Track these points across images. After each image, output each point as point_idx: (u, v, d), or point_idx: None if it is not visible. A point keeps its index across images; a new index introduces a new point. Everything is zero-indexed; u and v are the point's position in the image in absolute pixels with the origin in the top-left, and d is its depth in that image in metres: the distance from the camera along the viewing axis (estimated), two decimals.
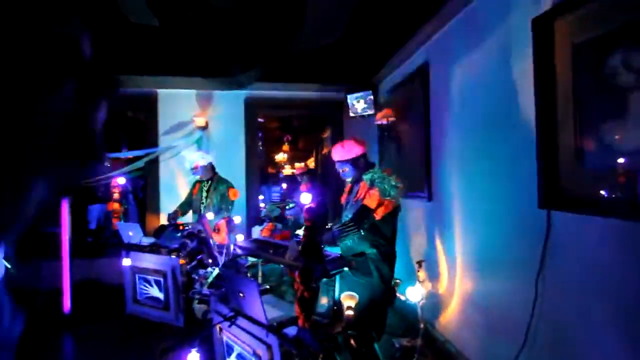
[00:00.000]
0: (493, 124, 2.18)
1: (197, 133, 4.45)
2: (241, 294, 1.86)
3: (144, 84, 4.30)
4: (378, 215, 2.00)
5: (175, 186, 4.51)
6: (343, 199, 2.28)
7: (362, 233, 1.99)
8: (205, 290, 2.32)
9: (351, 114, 4.59)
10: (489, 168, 2.22)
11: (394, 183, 2.03)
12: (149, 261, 3.17)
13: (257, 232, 4.19)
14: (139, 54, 3.83)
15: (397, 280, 2.81)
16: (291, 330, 1.69)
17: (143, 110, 4.58)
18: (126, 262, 3.11)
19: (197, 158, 3.30)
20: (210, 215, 2.81)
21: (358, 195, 2.07)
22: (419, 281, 2.77)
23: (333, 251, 1.99)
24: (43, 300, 3.89)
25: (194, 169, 3.37)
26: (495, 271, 2.17)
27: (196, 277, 2.55)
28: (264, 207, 5.16)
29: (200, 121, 4.46)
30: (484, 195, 2.28)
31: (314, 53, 4.08)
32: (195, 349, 1.74)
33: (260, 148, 9.15)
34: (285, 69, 4.37)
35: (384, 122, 3.66)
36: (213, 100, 4.61)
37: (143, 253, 3.19)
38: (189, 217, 3.72)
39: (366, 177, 2.08)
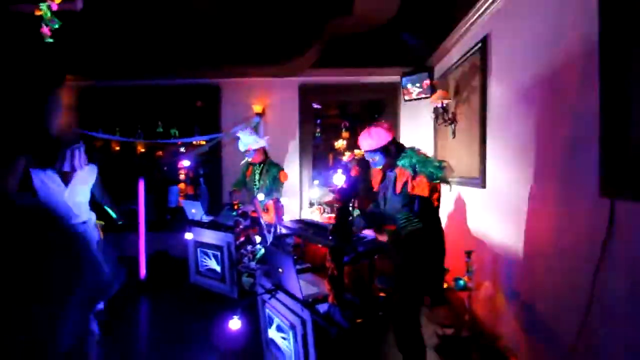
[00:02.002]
0: (555, 103, 1.96)
1: (255, 119, 4.68)
2: (280, 270, 1.97)
3: (207, 74, 4.61)
4: (435, 201, 1.93)
5: (235, 169, 4.81)
6: (375, 184, 2.16)
7: (421, 224, 1.89)
8: (253, 265, 2.48)
9: (406, 98, 4.45)
10: (548, 153, 2.02)
11: (437, 164, 1.91)
12: (208, 236, 3.47)
13: (307, 214, 4.32)
14: (201, 46, 4.12)
15: (446, 269, 2.73)
16: (324, 307, 1.76)
17: (207, 99, 4.92)
18: (188, 235, 3.44)
19: (251, 142, 3.48)
20: (260, 196, 2.97)
21: (400, 184, 1.97)
22: (468, 272, 2.66)
23: (368, 233, 1.99)
24: (125, 266, 4.48)
25: (247, 152, 3.55)
26: (549, 266, 1.99)
27: (244, 253, 2.73)
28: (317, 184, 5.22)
29: (257, 108, 4.67)
30: (542, 183, 2.08)
31: (368, 35, 4.01)
32: (237, 316, 1.89)
33: (318, 135, 9.32)
34: (339, 54, 4.36)
35: (439, 104, 3.49)
36: (269, 87, 4.78)
37: (203, 229, 3.50)
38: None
39: (402, 162, 1.96)
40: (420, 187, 1.87)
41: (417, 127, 4.58)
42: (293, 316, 1.88)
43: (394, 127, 4.67)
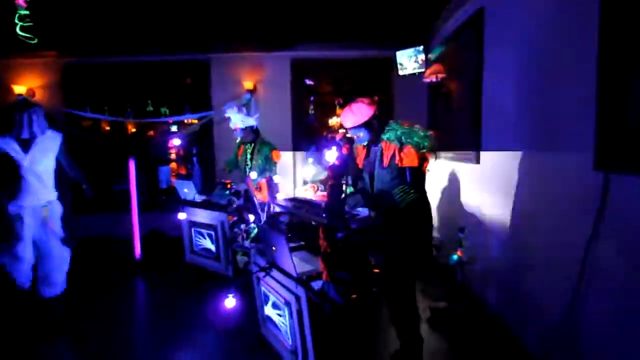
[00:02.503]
0: (552, 77, 1.92)
1: (246, 96, 4.57)
2: (274, 248, 1.97)
3: (196, 49, 4.46)
4: (425, 170, 1.93)
5: (228, 147, 4.75)
6: (360, 161, 2.10)
7: (417, 194, 1.90)
8: (247, 244, 2.48)
9: (400, 73, 4.36)
10: (543, 128, 2.00)
11: (422, 133, 1.88)
12: (202, 216, 3.45)
13: (301, 192, 4.31)
14: (189, 19, 3.96)
15: (439, 244, 2.76)
16: (319, 284, 1.77)
17: (197, 75, 4.78)
18: (181, 216, 3.42)
19: (238, 120, 3.40)
20: (253, 175, 2.93)
21: (387, 158, 1.94)
22: (461, 247, 2.69)
23: (362, 210, 1.98)
24: (119, 247, 4.46)
25: (235, 131, 3.48)
26: (542, 240, 2.01)
27: (238, 232, 2.73)
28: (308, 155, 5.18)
29: (248, 84, 4.56)
30: (536, 158, 2.07)
31: (361, 8, 3.87)
32: (232, 294, 1.89)
33: (312, 112, 9.20)
34: (332, 28, 4.22)
35: (434, 79, 3.42)
36: (260, 63, 4.65)
37: (196, 208, 3.47)
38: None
39: (387, 135, 1.94)
40: (410, 158, 1.86)
41: (411, 103, 4.51)
42: (288, 293, 1.90)
43: (388, 103, 4.62)
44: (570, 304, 1.70)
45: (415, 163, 1.85)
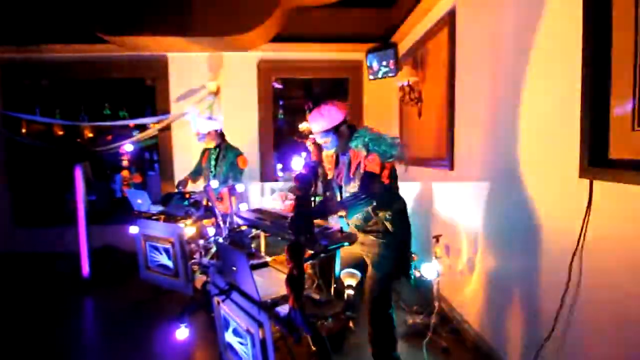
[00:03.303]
0: (530, 79, 1.83)
1: (208, 98, 4.28)
2: (234, 268, 1.73)
3: (152, 46, 4.12)
4: (385, 179, 1.77)
5: (188, 153, 4.43)
6: (329, 171, 1.98)
7: (374, 203, 1.76)
8: (205, 261, 2.21)
9: (370, 77, 4.25)
10: (522, 133, 1.90)
11: (390, 141, 1.76)
12: (157, 229, 3.12)
13: (268, 201, 4.07)
14: (142, 13, 3.64)
15: (413, 255, 2.62)
16: (285, 309, 1.55)
17: (154, 75, 4.43)
18: (133, 229, 3.08)
19: (199, 124, 3.14)
20: (214, 184, 2.68)
21: (354, 167, 1.82)
22: (436, 257, 2.56)
23: (334, 222, 1.79)
24: (68, 264, 4.00)
25: (197, 135, 3.22)
26: (523, 249, 1.91)
27: (195, 248, 2.45)
28: (281, 177, 5.00)
29: (211, 86, 4.28)
30: (515, 164, 1.97)
31: (330, 8, 3.73)
32: (185, 324, 1.64)
33: (282, 117, 8.94)
34: (300, 28, 4.06)
35: (405, 82, 3.32)
36: (224, 63, 4.39)
37: (150, 221, 3.14)
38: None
39: (355, 143, 1.81)
40: (372, 164, 1.74)
41: (382, 108, 4.41)
42: (249, 320, 1.66)
43: (358, 108, 4.49)
44: (555, 316, 1.59)
45: (376, 170, 1.72)
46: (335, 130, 1.82)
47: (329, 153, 1.94)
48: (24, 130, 5.03)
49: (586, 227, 1.44)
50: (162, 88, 4.40)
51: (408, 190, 3.76)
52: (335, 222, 1.76)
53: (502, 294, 2.12)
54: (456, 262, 2.65)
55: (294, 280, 1.28)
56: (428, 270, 2.50)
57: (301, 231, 1.32)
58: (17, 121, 4.49)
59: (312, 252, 1.45)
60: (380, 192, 1.76)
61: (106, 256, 4.18)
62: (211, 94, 4.27)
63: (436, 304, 2.55)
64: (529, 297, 1.86)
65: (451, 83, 2.72)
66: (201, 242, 2.29)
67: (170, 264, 3.12)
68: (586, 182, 1.43)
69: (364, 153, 1.75)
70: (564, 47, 1.55)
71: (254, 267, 2.13)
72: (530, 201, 1.82)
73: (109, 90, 5.54)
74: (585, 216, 1.43)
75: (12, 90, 4.40)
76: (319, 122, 1.82)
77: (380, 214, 1.85)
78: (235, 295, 1.80)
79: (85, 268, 3.74)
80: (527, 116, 1.84)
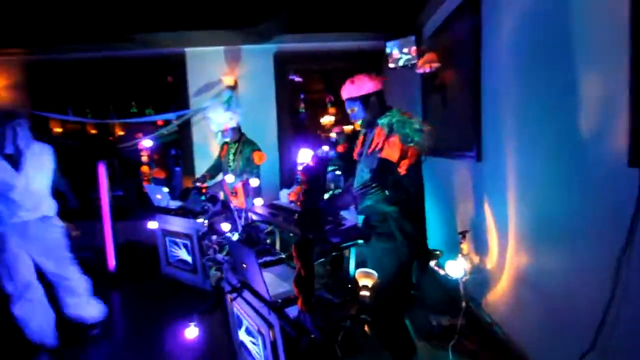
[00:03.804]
0: (568, 60, 1.63)
1: (226, 93, 4.24)
2: (244, 265, 1.66)
3: (170, 42, 4.12)
4: (402, 169, 1.62)
5: (208, 148, 4.43)
6: (355, 153, 1.90)
7: (387, 193, 1.61)
8: (220, 257, 2.16)
9: (391, 65, 4.06)
10: (559, 119, 1.71)
11: (417, 126, 1.63)
12: (176, 224, 3.13)
13: (284, 195, 3.99)
14: (161, 10, 3.63)
15: (437, 252, 2.47)
16: (295, 310, 1.46)
17: (173, 71, 4.44)
18: (152, 225, 3.10)
19: (226, 120, 3.09)
20: (229, 178, 2.62)
21: (374, 145, 1.70)
22: (462, 254, 2.39)
23: (349, 218, 1.67)
24: (92, 257, 4.11)
25: (224, 132, 3.17)
26: (560, 246, 1.72)
27: (208, 244, 2.41)
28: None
29: (228, 80, 4.24)
30: (549, 153, 1.78)
31: None
32: (194, 323, 1.59)
33: (303, 111, 8.84)
34: (316, 17, 3.92)
35: (427, 69, 3.13)
36: (241, 57, 4.33)
37: (169, 216, 3.15)
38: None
39: (382, 121, 1.69)
40: (392, 149, 1.61)
41: (404, 97, 4.22)
42: (260, 320, 1.59)
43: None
44: (598, 326, 1.41)
45: (394, 157, 1.58)
46: (363, 99, 1.73)
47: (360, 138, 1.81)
48: (59, 130, 5.22)
49: (636, 222, 1.26)
50: (181, 84, 4.40)
51: (432, 183, 3.58)
52: (352, 217, 1.65)
53: (536, 296, 1.94)
54: (485, 260, 2.47)
55: (302, 281, 1.19)
56: (453, 268, 2.34)
57: (309, 228, 1.22)
58: (46, 121, 4.64)
59: (323, 250, 1.34)
60: (394, 183, 1.62)
61: (130, 251, 4.26)
62: (228, 87, 4.23)
63: (463, 304, 2.39)
64: (567, 301, 1.67)
65: (477, 67, 2.52)
66: (214, 238, 2.24)
67: (189, 259, 3.13)
68: (636, 171, 1.24)
69: (386, 132, 1.64)
70: (615, 30, 1.35)
71: (268, 264, 2.06)
72: (570, 194, 1.64)
73: (135, 90, 5.67)
74: (636, 211, 1.25)
75: (40, 90, 4.53)
76: (348, 88, 1.76)
77: (387, 210, 1.68)
78: (246, 294, 1.73)
79: (112, 262, 3.82)
80: (570, 103, 1.64)
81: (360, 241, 1.48)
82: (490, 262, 2.43)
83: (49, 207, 2.44)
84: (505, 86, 2.20)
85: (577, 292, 1.61)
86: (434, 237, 3.07)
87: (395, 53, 4.00)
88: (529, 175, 1.97)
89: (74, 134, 5.33)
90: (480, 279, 2.46)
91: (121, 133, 6.16)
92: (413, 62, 3.83)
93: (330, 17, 3.93)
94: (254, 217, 2.15)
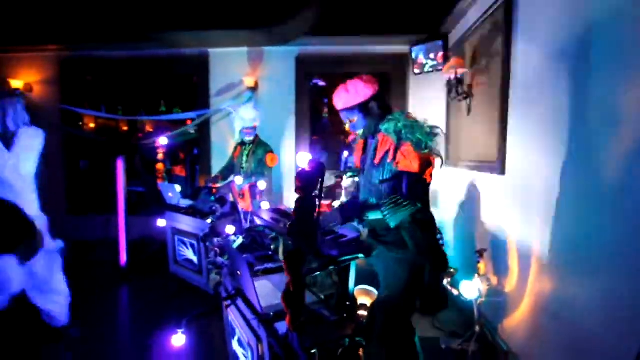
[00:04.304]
0: (605, 71, 1.46)
1: (247, 94, 4.23)
2: (238, 272, 1.57)
3: (193, 42, 4.16)
4: (429, 178, 1.51)
5: (226, 148, 4.42)
6: (357, 161, 1.78)
7: (419, 206, 1.50)
8: (220, 261, 2.09)
9: (416, 71, 3.92)
10: (591, 135, 1.53)
11: (428, 130, 1.50)
12: (185, 223, 3.10)
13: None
14: (184, 10, 3.66)
15: (452, 270, 2.30)
16: (285, 326, 1.35)
17: (196, 71, 4.48)
18: (161, 222, 3.08)
19: (255, 117, 3.05)
20: (238, 180, 2.56)
21: (380, 154, 1.56)
22: (479, 274, 2.22)
23: (350, 229, 1.55)
24: (107, 251, 4.16)
25: (251, 129, 3.13)
26: (589, 273, 1.53)
27: (210, 246, 2.35)
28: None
29: (249, 81, 4.22)
30: (580, 170, 1.60)
31: None
32: (182, 330, 1.51)
33: (326, 116, 8.78)
34: (340, 20, 3.84)
35: (452, 75, 2.96)
36: (263, 58, 4.31)
37: (179, 214, 3.13)
38: None
39: (386, 126, 1.55)
40: (408, 160, 1.47)
41: (427, 104, 4.04)
42: (250, 332, 1.49)
43: (400, 105, 4.18)
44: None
45: (414, 167, 1.45)
46: (362, 107, 1.59)
47: (359, 142, 1.72)
48: (93, 125, 5.37)
49: None
50: (203, 83, 4.43)
51: (450, 196, 3.39)
52: (352, 228, 1.53)
53: (559, 326, 1.74)
54: (504, 281, 2.27)
55: (291, 297, 1.08)
56: (468, 288, 2.17)
57: (301, 239, 1.11)
58: (75, 116, 4.80)
59: (318, 263, 1.23)
60: (423, 195, 1.52)
61: (144, 246, 4.29)
62: (249, 89, 4.21)
63: (477, 328, 2.21)
64: (594, 335, 1.48)
65: (506, 75, 2.34)
66: (216, 240, 2.18)
67: (195, 259, 3.09)
68: None
69: (394, 140, 1.50)
70: None
71: (268, 272, 1.96)
72: (601, 215, 1.45)
73: (163, 89, 5.76)
74: None
75: (73, 86, 4.68)
76: (343, 98, 1.61)
77: (411, 219, 1.55)
78: (240, 302, 1.64)
79: (123, 257, 3.85)
80: (607, 117, 1.46)
81: (361, 255, 1.36)
82: (509, 285, 2.23)
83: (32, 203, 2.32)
84: (535, 96, 2.02)
85: (606, 326, 1.41)
86: (449, 253, 2.88)
87: (421, 58, 3.85)
88: (556, 193, 1.78)
89: (107, 130, 5.47)
90: (497, 302, 2.26)
91: (150, 130, 6.30)
92: (439, 68, 3.68)
93: (354, 20, 3.84)
94: (258, 221, 2.07)
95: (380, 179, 1.55)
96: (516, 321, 2.13)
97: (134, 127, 5.86)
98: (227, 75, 4.36)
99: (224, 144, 4.44)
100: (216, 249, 2.14)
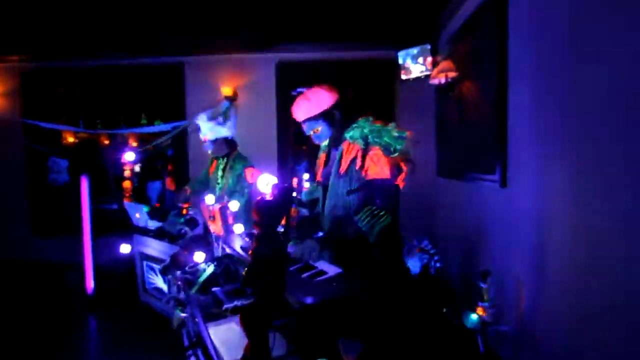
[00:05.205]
0: (617, 67, 1.24)
1: (224, 104, 3.95)
2: (195, 319, 1.28)
3: (168, 49, 3.89)
4: (401, 184, 1.41)
5: (204, 162, 4.12)
6: (319, 175, 1.64)
7: (395, 217, 1.38)
8: (184, 296, 1.78)
9: (403, 77, 3.71)
10: (604, 140, 1.30)
11: (396, 133, 1.40)
12: (152, 247, 2.79)
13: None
14: (160, 15, 3.40)
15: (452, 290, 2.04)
16: None
17: (170, 81, 4.20)
18: (124, 248, 2.76)
19: (206, 130, 2.78)
20: (209, 199, 2.27)
21: (345, 163, 1.44)
22: (482, 301, 1.95)
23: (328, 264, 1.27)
24: (74, 275, 3.80)
25: (204, 142, 2.86)
26: (613, 299, 1.29)
27: (172, 279, 2.03)
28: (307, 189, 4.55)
29: (227, 90, 3.96)
30: (594, 180, 1.37)
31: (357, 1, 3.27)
32: None
33: None
34: (322, 25, 3.62)
35: (442, 80, 2.75)
36: (242, 66, 4.06)
37: (147, 237, 2.82)
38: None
39: (350, 134, 1.45)
40: (378, 166, 1.37)
41: (417, 113, 3.83)
42: None
43: (389, 113, 3.96)
44: None
45: (386, 173, 1.35)
46: (325, 116, 1.49)
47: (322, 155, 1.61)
48: (72, 140, 4.98)
49: None
50: (177, 93, 4.16)
51: (444, 210, 3.15)
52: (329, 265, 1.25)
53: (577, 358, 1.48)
54: (512, 309, 2.02)
55: None
56: (470, 317, 1.90)
57: (261, 287, 0.83)
58: (41, 130, 4.44)
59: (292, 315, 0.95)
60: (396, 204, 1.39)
61: (114, 271, 3.93)
62: (227, 98, 3.94)
63: None
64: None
65: (502, 76, 2.13)
66: (178, 273, 1.87)
67: (165, 287, 2.77)
68: None
69: (361, 145, 1.40)
70: None
71: (238, 310, 1.66)
72: (624, 232, 1.21)
73: (144, 101, 5.43)
74: None
75: (35, 98, 4.34)
76: (304, 108, 1.50)
77: (389, 233, 1.37)
78: (201, 354, 1.34)
79: (90, 284, 3.49)
80: (620, 119, 1.23)
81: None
82: (519, 312, 1.97)
83: None
84: (538, 97, 1.79)
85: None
86: (449, 276, 2.62)
87: (409, 63, 3.65)
88: (568, 206, 1.54)
89: (87, 144, 5.09)
90: (505, 333, 2.00)
91: (134, 144, 5.97)
92: (428, 73, 3.47)
93: (337, 24, 3.63)
94: (227, 250, 1.78)
95: (348, 189, 1.42)
96: (527, 355, 1.87)
97: (117, 141, 5.49)
98: (203, 84, 4.09)
99: (201, 157, 4.14)
100: (179, 282, 1.83)
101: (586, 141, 1.44)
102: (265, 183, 1.16)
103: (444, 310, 1.89)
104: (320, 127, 1.52)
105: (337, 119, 1.51)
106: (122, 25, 3.51)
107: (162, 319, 2.86)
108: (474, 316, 1.89)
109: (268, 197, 0.88)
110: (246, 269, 0.86)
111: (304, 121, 1.54)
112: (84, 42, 3.88)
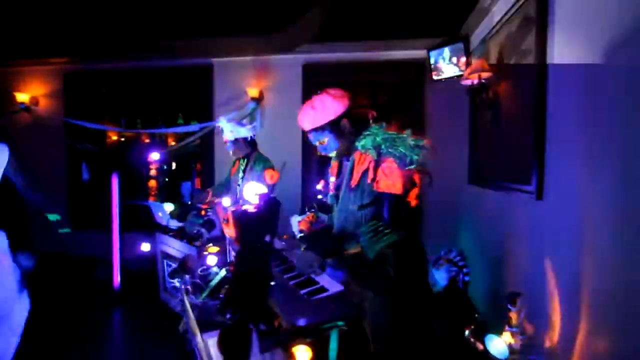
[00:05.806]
0: None
1: (250, 104, 3.96)
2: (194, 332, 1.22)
3: (197, 51, 3.95)
4: (414, 201, 1.30)
5: (229, 163, 4.15)
6: (333, 186, 1.52)
7: (402, 234, 1.26)
8: (195, 300, 1.75)
9: (435, 77, 3.52)
10: None
11: (412, 142, 1.28)
12: (172, 247, 2.81)
13: (295, 223, 3.53)
14: (187, 17, 3.45)
15: (476, 315, 1.88)
16: None
17: (199, 82, 4.27)
18: (144, 247, 2.80)
19: (226, 131, 2.77)
20: (225, 202, 2.24)
21: (357, 174, 1.33)
22: (511, 324, 1.77)
23: (333, 278, 1.17)
24: (104, 270, 3.94)
25: (225, 144, 2.85)
26: None
27: (180, 284, 2.01)
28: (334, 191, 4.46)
29: (253, 92, 3.95)
30: None
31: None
32: None
33: None
34: (350, 24, 3.51)
35: (475, 80, 2.55)
36: (269, 68, 4.04)
37: (167, 237, 2.85)
38: None
39: (362, 143, 1.33)
40: (390, 179, 1.27)
41: (449, 114, 3.63)
42: None
43: (419, 117, 3.78)
44: None
45: (397, 188, 1.25)
46: (332, 126, 1.37)
47: (333, 164, 1.53)
48: (115, 138, 5.23)
49: None
50: (206, 95, 4.22)
51: (472, 222, 2.94)
52: (331, 277, 1.16)
53: None
54: (544, 335, 1.81)
55: None
56: (497, 344, 1.72)
57: (243, 308, 0.75)
58: (81, 129, 4.68)
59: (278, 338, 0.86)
60: (408, 221, 1.29)
61: (141, 265, 4.04)
62: (252, 99, 3.94)
63: None
64: None
65: (541, 77, 1.92)
66: (187, 277, 1.84)
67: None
68: None
69: (373, 156, 1.29)
70: None
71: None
72: None
73: (178, 101, 5.59)
74: None
75: (76, 98, 4.58)
76: (309, 117, 1.41)
77: (394, 250, 1.26)
78: None
79: (117, 278, 3.60)
80: None
81: (341, 322, 0.98)
82: (551, 340, 1.76)
83: None
84: (583, 99, 1.59)
85: None
86: (473, 296, 2.42)
87: (441, 64, 3.46)
88: (614, 225, 1.34)
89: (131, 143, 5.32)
90: None
91: (173, 143, 6.16)
92: (460, 73, 3.27)
93: (366, 23, 3.51)
94: (234, 254, 1.73)
95: (359, 204, 1.31)
96: None
97: (163, 141, 5.68)
98: (231, 85, 4.12)
99: (227, 158, 4.17)
100: (187, 286, 1.81)
101: (626, 153, 1.24)
102: (253, 192, 1.08)
103: (466, 332, 1.73)
104: (327, 139, 1.41)
105: (346, 130, 1.39)
106: (156, 28, 3.60)
107: (178, 320, 2.88)
108: (500, 343, 1.71)
109: (250, 209, 0.80)
110: (224, 290, 0.79)
111: (309, 131, 1.45)
112: (122, 44, 4.03)
